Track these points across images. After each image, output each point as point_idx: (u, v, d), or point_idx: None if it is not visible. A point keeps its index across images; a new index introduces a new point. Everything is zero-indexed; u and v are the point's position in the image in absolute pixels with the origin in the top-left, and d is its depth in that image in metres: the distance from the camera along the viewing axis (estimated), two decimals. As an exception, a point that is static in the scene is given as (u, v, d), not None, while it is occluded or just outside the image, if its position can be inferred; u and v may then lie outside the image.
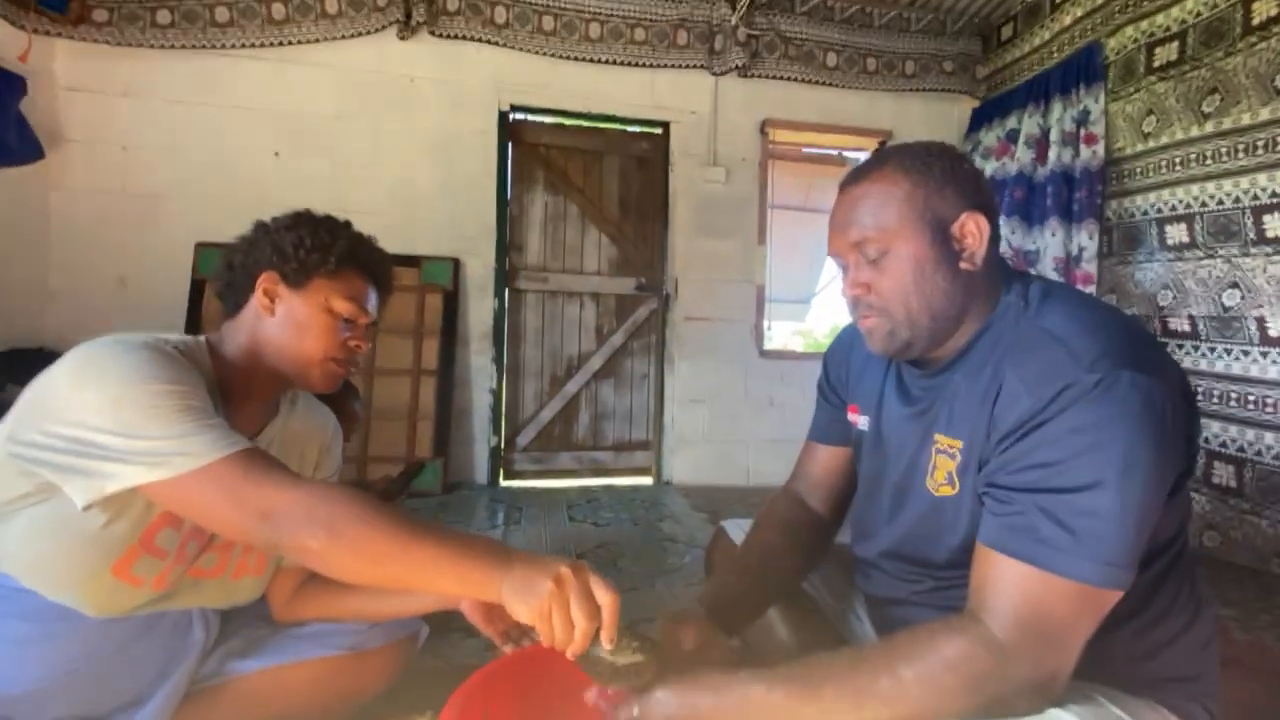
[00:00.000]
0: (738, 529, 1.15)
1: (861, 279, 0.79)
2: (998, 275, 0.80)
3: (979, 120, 3.50)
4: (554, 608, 0.64)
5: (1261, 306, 2.21)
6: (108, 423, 0.69)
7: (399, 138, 3.05)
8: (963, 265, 0.76)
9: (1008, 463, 0.68)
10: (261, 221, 0.95)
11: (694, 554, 2.24)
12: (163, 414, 0.70)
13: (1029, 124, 3.05)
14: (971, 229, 0.76)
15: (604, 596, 0.66)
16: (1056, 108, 2.94)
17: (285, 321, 0.90)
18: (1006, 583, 0.65)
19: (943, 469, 0.79)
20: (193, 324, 2.76)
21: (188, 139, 2.84)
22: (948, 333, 0.79)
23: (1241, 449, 2.26)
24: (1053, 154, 2.91)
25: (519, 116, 3.25)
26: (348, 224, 0.96)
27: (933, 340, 0.79)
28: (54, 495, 0.73)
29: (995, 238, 0.78)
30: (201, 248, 2.81)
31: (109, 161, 2.77)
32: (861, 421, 0.96)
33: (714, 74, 3.31)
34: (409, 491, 1.57)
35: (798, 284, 5.44)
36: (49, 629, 0.78)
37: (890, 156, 0.79)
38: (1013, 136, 3.17)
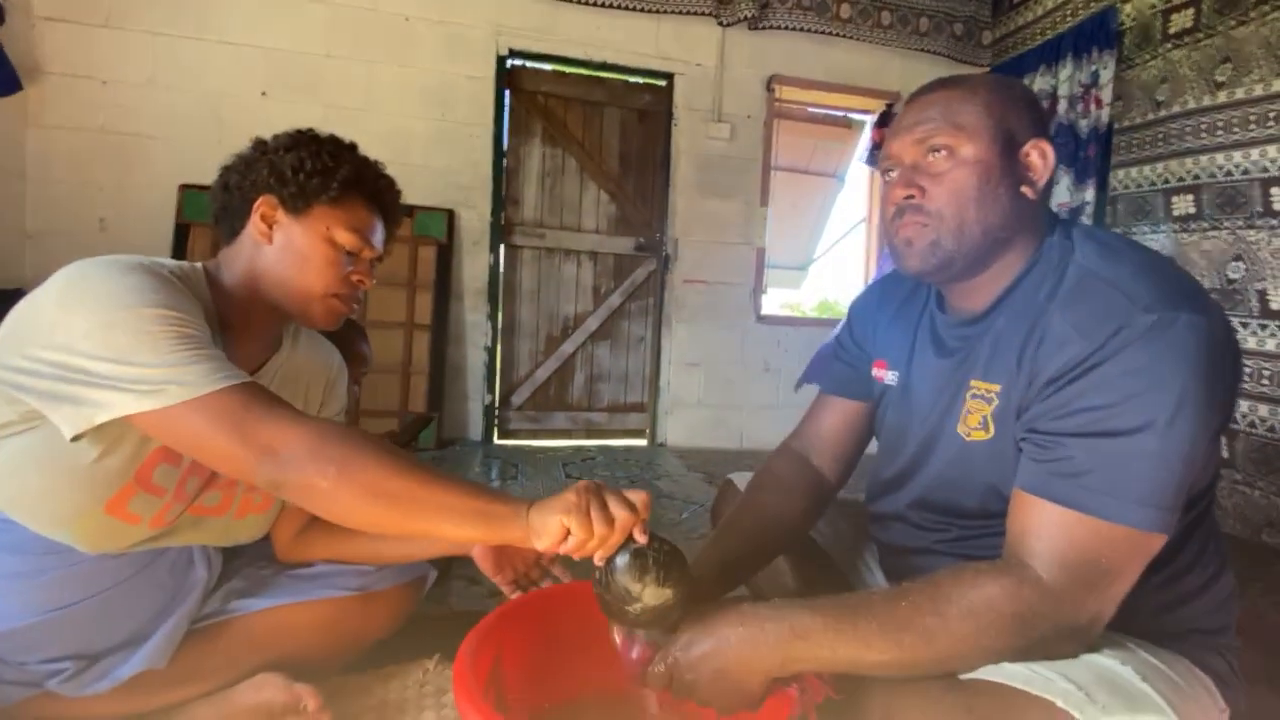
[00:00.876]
0: (745, 482, 1.13)
1: (918, 181, 0.75)
2: (1046, 217, 0.79)
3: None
4: (591, 503, 0.65)
5: (1264, 279, 2.21)
6: (97, 348, 0.64)
7: (392, 80, 2.93)
8: (1024, 189, 0.75)
9: (1054, 408, 0.66)
10: (260, 139, 0.89)
11: (691, 510, 2.25)
12: (157, 340, 0.65)
13: (1040, 82, 3.01)
14: (1038, 156, 0.75)
15: (636, 495, 0.68)
16: (1067, 69, 2.89)
17: (284, 251, 0.84)
18: (1051, 528, 0.63)
19: (977, 414, 0.76)
20: (178, 270, 2.67)
21: (171, 75, 2.71)
22: (990, 257, 0.76)
23: (1234, 420, 2.29)
24: (1061, 108, 2.90)
25: (517, 63, 3.13)
26: (353, 146, 0.90)
27: (974, 261, 0.76)
28: (41, 425, 0.68)
29: (1052, 179, 0.77)
30: (186, 189, 2.71)
31: (89, 97, 2.64)
32: (889, 376, 0.93)
33: (721, 24, 3.20)
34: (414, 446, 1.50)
35: (795, 250, 5.39)
36: (39, 563, 0.74)
37: (968, 75, 0.81)
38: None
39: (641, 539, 0.67)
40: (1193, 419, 0.61)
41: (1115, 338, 0.63)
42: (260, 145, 0.88)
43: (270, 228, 0.84)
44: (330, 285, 0.85)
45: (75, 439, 0.66)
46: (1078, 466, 0.63)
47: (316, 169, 0.84)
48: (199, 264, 0.85)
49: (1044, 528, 0.64)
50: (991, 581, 0.62)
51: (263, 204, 0.84)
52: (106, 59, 2.64)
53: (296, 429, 0.66)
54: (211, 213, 0.89)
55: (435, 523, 0.66)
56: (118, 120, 2.68)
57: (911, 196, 0.75)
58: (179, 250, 2.69)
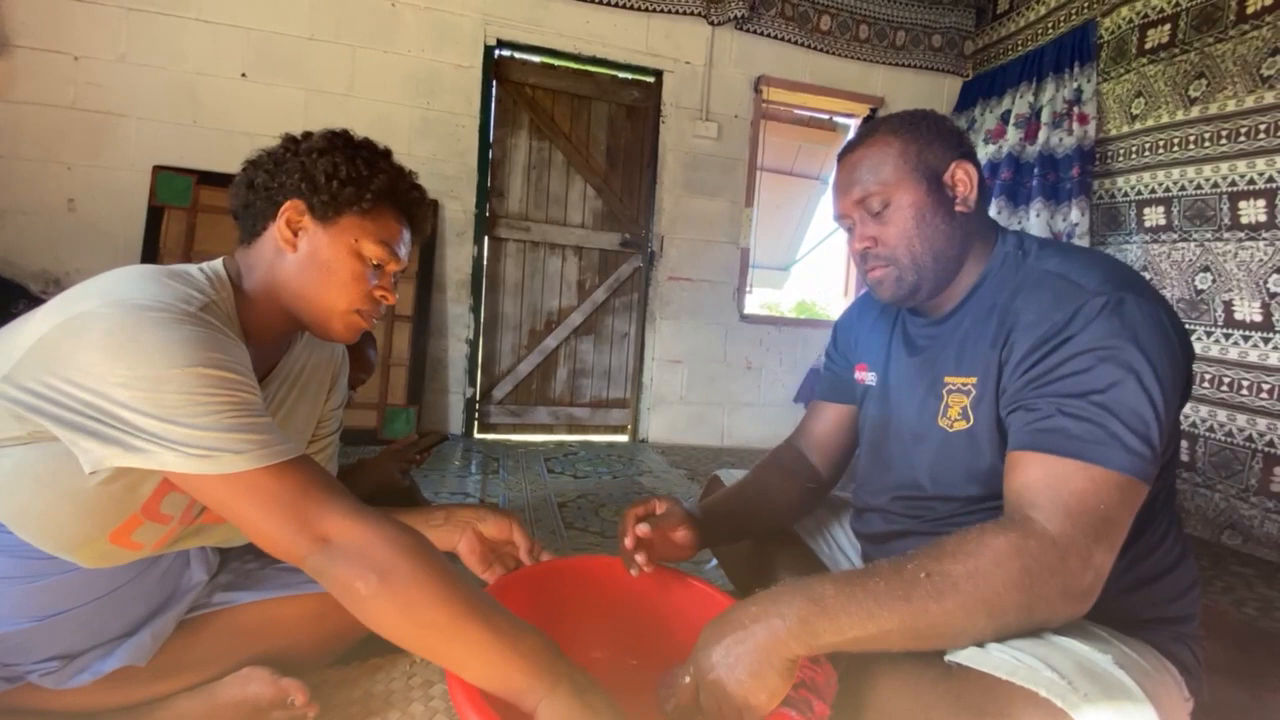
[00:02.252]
0: (732, 479, 1.17)
1: (868, 233, 0.85)
2: (990, 223, 0.88)
3: (970, 94, 3.49)
4: None
5: (1230, 290, 2.29)
6: (140, 402, 0.60)
7: (377, 66, 2.88)
8: (958, 209, 0.84)
9: (1033, 380, 0.72)
10: (291, 138, 0.85)
11: (673, 508, 2.25)
12: (209, 403, 0.62)
13: (1020, 103, 3.04)
14: (962, 176, 0.84)
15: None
16: (1049, 87, 2.94)
17: (308, 261, 0.80)
18: (1050, 478, 0.66)
19: (956, 406, 0.83)
20: (149, 254, 2.60)
21: (146, 52, 2.62)
22: (950, 274, 0.86)
23: (1194, 425, 2.37)
24: (1042, 135, 2.90)
25: (505, 53, 3.10)
26: (387, 153, 0.87)
27: (938, 282, 0.86)
28: (47, 442, 0.64)
29: (983, 185, 0.86)
30: (160, 171, 2.62)
31: (59, 73, 2.54)
32: (869, 378, 1.01)
33: (711, 23, 3.21)
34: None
35: (778, 251, 5.43)
36: (32, 568, 0.71)
37: (880, 124, 0.88)
38: (1006, 118, 3.15)
39: None
40: (1156, 379, 0.66)
41: (1076, 316, 0.70)
42: (291, 144, 0.84)
43: (296, 234, 0.81)
44: (354, 301, 0.82)
45: (92, 473, 0.62)
46: (1065, 423, 0.67)
47: (350, 177, 0.81)
48: (220, 267, 0.80)
49: (1043, 479, 0.66)
50: (996, 535, 0.63)
51: (290, 209, 0.80)
52: (78, 33, 2.55)
53: (354, 523, 0.64)
54: (231, 208, 0.86)
55: (457, 659, 0.63)
56: (89, 97, 2.58)
57: (870, 246, 0.86)
58: (151, 234, 2.61)
